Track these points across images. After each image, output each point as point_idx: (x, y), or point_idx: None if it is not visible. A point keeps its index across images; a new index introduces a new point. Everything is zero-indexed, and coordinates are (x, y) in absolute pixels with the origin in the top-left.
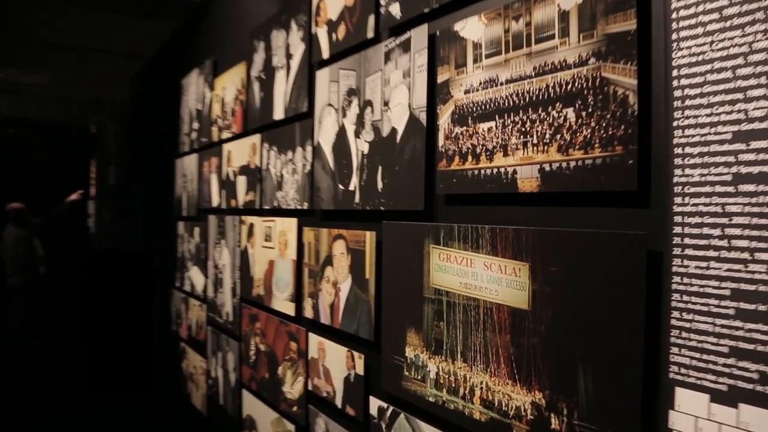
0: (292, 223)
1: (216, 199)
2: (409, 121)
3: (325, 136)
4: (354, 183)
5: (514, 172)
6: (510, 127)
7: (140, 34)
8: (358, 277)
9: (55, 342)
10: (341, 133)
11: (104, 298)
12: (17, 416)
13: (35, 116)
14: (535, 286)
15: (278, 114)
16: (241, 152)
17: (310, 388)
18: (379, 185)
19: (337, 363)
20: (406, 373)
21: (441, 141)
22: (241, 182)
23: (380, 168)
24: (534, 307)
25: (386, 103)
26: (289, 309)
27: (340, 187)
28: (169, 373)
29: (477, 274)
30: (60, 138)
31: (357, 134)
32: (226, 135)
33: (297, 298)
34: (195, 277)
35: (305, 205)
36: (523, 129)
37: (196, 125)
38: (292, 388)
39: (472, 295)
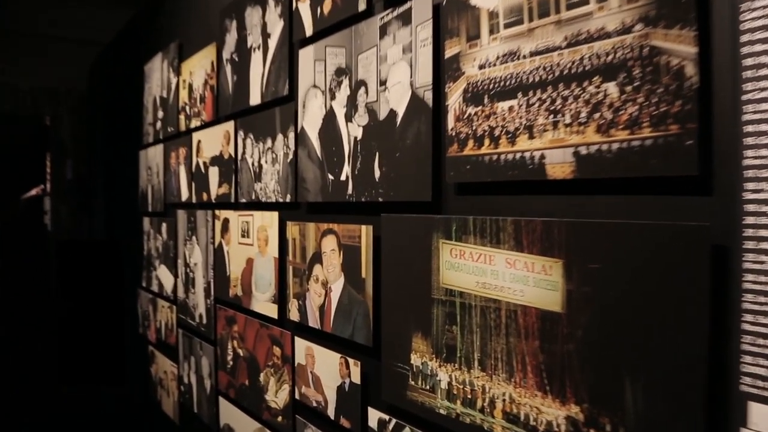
0: (273, 217)
1: (185, 192)
2: (412, 102)
3: (311, 120)
4: (346, 172)
5: (542, 156)
6: (536, 105)
7: (99, 18)
8: (353, 276)
9: (21, 334)
10: (329, 117)
11: (74, 289)
12: None
13: None
14: (571, 286)
15: (254, 99)
16: (212, 141)
17: (297, 397)
18: (377, 174)
19: (329, 370)
20: (412, 383)
21: (451, 123)
22: (214, 174)
23: (377, 155)
24: (569, 309)
25: (383, 83)
26: (272, 311)
27: (330, 176)
28: (138, 378)
29: (498, 273)
30: (11, 131)
31: (348, 118)
32: (195, 123)
33: (280, 299)
34: (163, 276)
35: (288, 198)
36: (553, 107)
37: (161, 114)
38: (276, 397)
39: (491, 295)
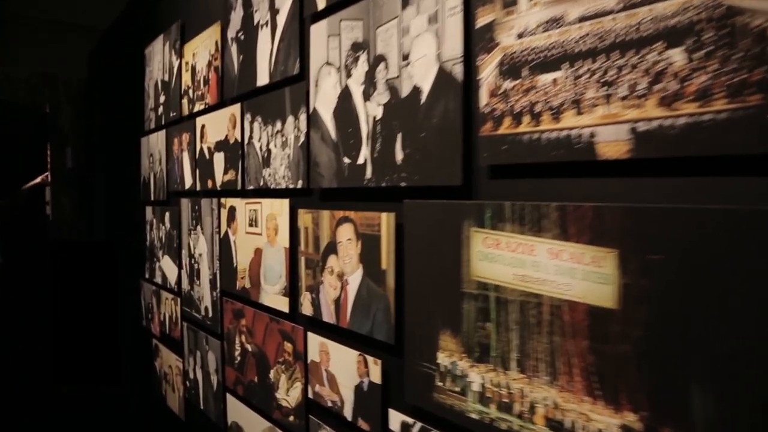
0: (283, 204)
1: (189, 180)
2: (438, 77)
3: (324, 100)
4: (364, 155)
5: (592, 134)
6: (585, 77)
7: (98, 2)
8: (372, 267)
9: (17, 334)
10: (345, 96)
11: (68, 289)
12: None
13: None
14: (627, 279)
15: (262, 79)
16: (217, 126)
17: (310, 395)
18: (398, 156)
19: (346, 368)
20: (440, 384)
21: (484, 99)
22: (219, 160)
23: (399, 136)
24: (625, 305)
25: (405, 57)
26: (282, 305)
27: (346, 160)
28: (141, 373)
29: (539, 264)
30: (9, 120)
31: (366, 96)
32: (198, 107)
33: (291, 292)
34: (167, 267)
35: (299, 184)
36: (605, 79)
37: (162, 98)
38: (288, 395)
39: (532, 289)
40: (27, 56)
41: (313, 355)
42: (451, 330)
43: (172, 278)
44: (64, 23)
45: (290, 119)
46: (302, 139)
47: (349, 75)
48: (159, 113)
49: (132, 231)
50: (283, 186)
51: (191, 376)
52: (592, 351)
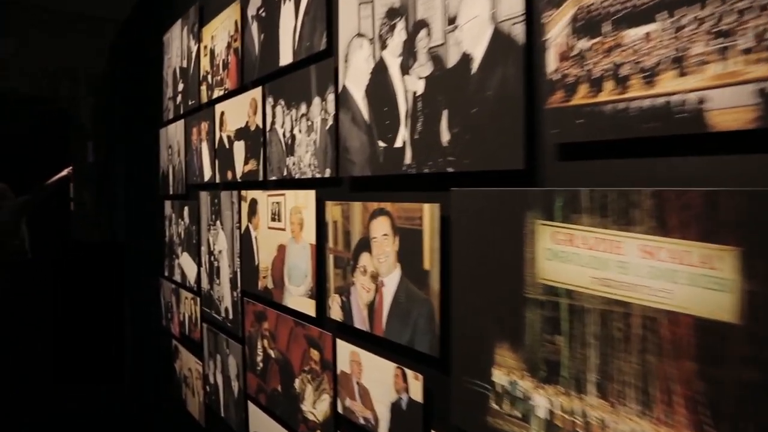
0: (308, 196)
1: (208, 171)
2: (494, 41)
3: (356, 77)
4: (402, 137)
5: (701, 100)
6: (690, 27)
7: None
8: (412, 267)
9: (21, 334)
10: (380, 70)
11: (72, 289)
12: None
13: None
14: (752, 286)
15: (285, 58)
16: (237, 112)
17: (339, 410)
18: (444, 137)
19: (381, 382)
20: (495, 406)
21: (552, 64)
22: (239, 149)
23: (445, 113)
24: (749, 319)
25: (452, 21)
26: (308, 307)
27: (381, 144)
28: (160, 374)
29: (628, 265)
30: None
31: (405, 70)
32: (218, 93)
33: (319, 293)
34: (186, 265)
35: (327, 172)
36: (720, 28)
37: (181, 86)
38: (315, 408)
39: (617, 296)
40: (48, 49)
41: (343, 365)
42: (510, 343)
43: (191, 276)
44: (85, 15)
45: (316, 101)
46: (330, 122)
47: (384, 46)
48: (177, 102)
49: (152, 226)
50: (309, 175)
51: (211, 380)
52: (703, 376)
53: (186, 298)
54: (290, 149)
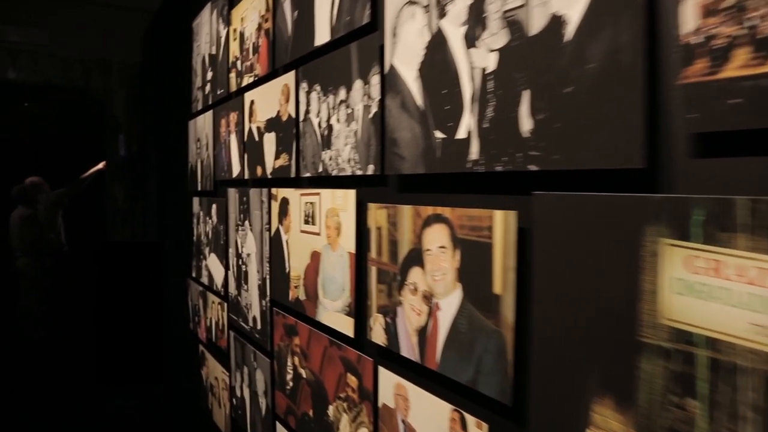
0: (347, 197)
1: (236, 167)
2: None
3: (406, 54)
4: (467, 126)
5: None
6: None
7: None
8: (478, 289)
9: (65, 332)
10: (437, 44)
11: (114, 289)
12: (25, 407)
13: (31, 79)
14: None
15: (322, 37)
16: (268, 100)
17: None
18: (525, 125)
19: (432, 424)
20: None
21: (690, 22)
22: (270, 141)
23: (526, 94)
24: None
25: None
26: (346, 326)
27: (438, 135)
28: (187, 380)
29: None
30: (66, 105)
31: (471, 41)
32: (247, 80)
33: (358, 311)
34: (213, 267)
35: (370, 169)
36: None
37: (209, 75)
38: None
39: None
40: (80, 40)
41: (386, 397)
42: (615, 400)
43: (218, 280)
44: (116, 5)
45: (358, 84)
46: (374, 109)
47: (442, 14)
48: (206, 92)
49: (181, 224)
50: (349, 172)
51: (238, 393)
52: None
53: (213, 303)
54: (327, 142)
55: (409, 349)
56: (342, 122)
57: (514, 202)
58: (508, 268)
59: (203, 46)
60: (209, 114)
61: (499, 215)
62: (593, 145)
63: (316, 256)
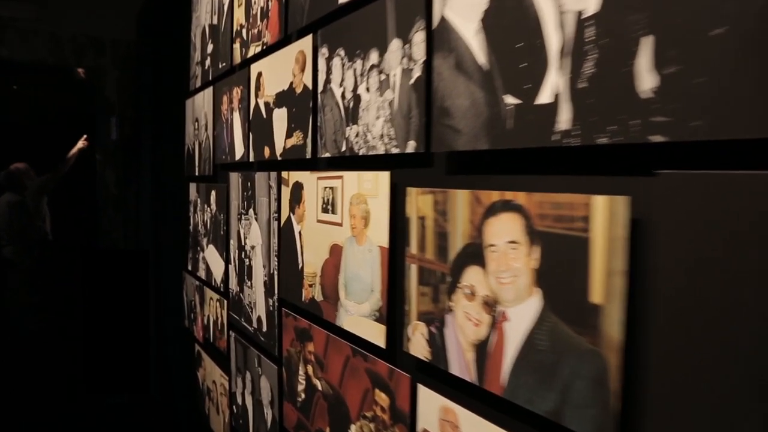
0: (379, 180)
1: (240, 148)
2: None
3: (464, 2)
4: (553, 87)
5: None
6: None
7: None
8: (566, 296)
9: (55, 322)
10: None
11: (99, 298)
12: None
13: (18, 57)
14: None
15: None
16: (278, 72)
17: None
18: (645, 83)
19: None
20: None
21: None
22: (280, 118)
23: (648, 40)
24: None
25: None
26: (375, 334)
27: (509, 100)
28: (181, 380)
29: None
30: (56, 85)
31: None
32: (254, 50)
33: (391, 317)
34: (212, 259)
35: (410, 146)
36: None
37: (210, 48)
38: None
39: None
40: (71, 16)
41: (427, 421)
42: None
43: (217, 274)
44: None
45: (395, 44)
46: (417, 73)
47: None
48: (206, 67)
49: (178, 211)
50: (381, 150)
51: (239, 400)
52: None
53: (211, 299)
54: (352, 115)
55: (461, 366)
56: (373, 91)
57: (622, 185)
58: (614, 271)
59: (203, 16)
60: (209, 91)
61: (600, 202)
62: (753, 108)
63: (336, 250)
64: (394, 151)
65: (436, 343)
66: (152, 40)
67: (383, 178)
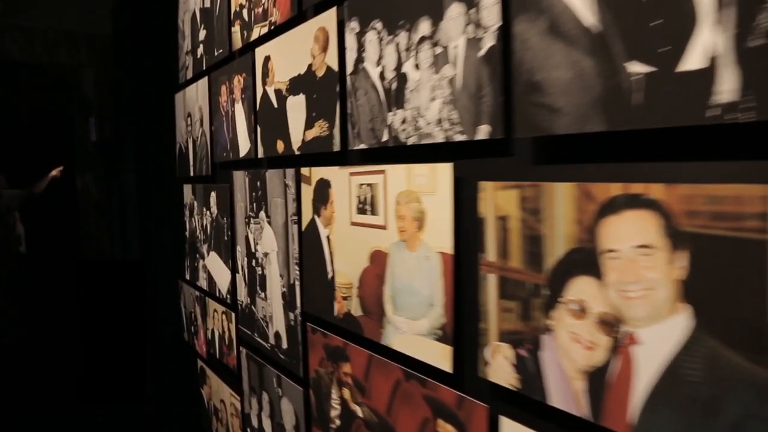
0: (436, 174)
1: (245, 144)
2: None
3: None
4: (706, 49)
5: None
6: None
7: None
8: (730, 314)
9: (41, 332)
10: None
11: (94, 308)
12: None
13: None
14: None
15: None
16: (291, 54)
17: None
18: None
19: None
20: None
21: None
22: (296, 107)
23: None
24: None
25: None
26: (436, 355)
27: (635, 69)
28: (181, 398)
29: None
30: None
31: None
32: (258, 32)
33: (458, 336)
34: (215, 268)
35: (481, 132)
36: None
37: (203, 34)
38: None
39: None
40: (44, 10)
41: None
42: None
43: (222, 284)
44: None
45: (454, 9)
46: (489, 42)
47: None
48: (198, 55)
49: (169, 216)
50: (440, 138)
51: (254, 423)
52: None
53: (216, 312)
54: (396, 98)
55: (567, 397)
56: (425, 69)
57: None
58: None
59: (192, 0)
60: (203, 82)
61: None
62: None
63: (379, 258)
64: (459, 138)
65: (528, 368)
66: (131, 31)
67: (443, 171)
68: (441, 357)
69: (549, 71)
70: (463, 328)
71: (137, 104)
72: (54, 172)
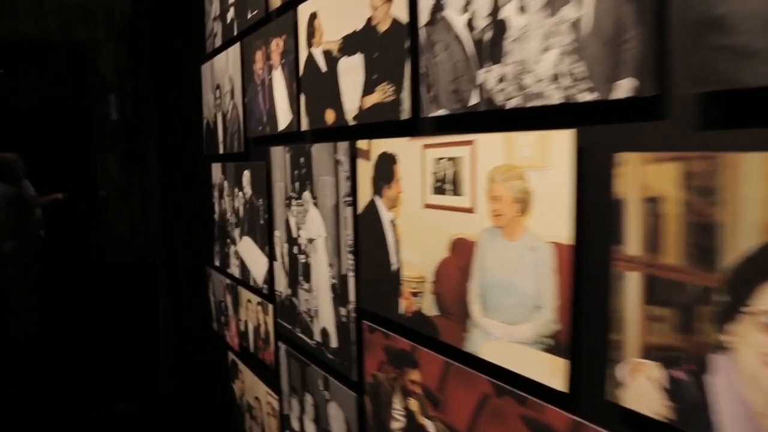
0: (551, 143)
1: (285, 115)
2: None
3: None
4: None
5: None
6: None
7: None
8: None
9: (58, 320)
10: None
11: (106, 307)
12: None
13: None
14: None
15: None
16: (345, 7)
17: None
18: None
19: None
20: None
21: None
22: (351, 69)
23: None
24: None
25: None
26: (543, 369)
27: None
28: (208, 389)
29: None
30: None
31: None
32: None
33: (575, 347)
34: (248, 255)
35: (620, 89)
36: None
37: None
38: None
39: None
40: None
41: None
42: None
43: (257, 273)
44: None
45: None
46: None
47: None
48: (228, 20)
49: (196, 196)
50: (556, 98)
51: (295, 426)
52: None
53: (249, 302)
54: (490, 51)
55: None
56: (534, 12)
57: None
58: None
59: None
60: (234, 49)
61: None
62: None
63: (463, 247)
64: (586, 98)
65: (686, 395)
66: (153, 6)
67: (560, 139)
68: (550, 371)
69: (734, 3)
70: (583, 338)
71: (159, 79)
72: (59, 195)
